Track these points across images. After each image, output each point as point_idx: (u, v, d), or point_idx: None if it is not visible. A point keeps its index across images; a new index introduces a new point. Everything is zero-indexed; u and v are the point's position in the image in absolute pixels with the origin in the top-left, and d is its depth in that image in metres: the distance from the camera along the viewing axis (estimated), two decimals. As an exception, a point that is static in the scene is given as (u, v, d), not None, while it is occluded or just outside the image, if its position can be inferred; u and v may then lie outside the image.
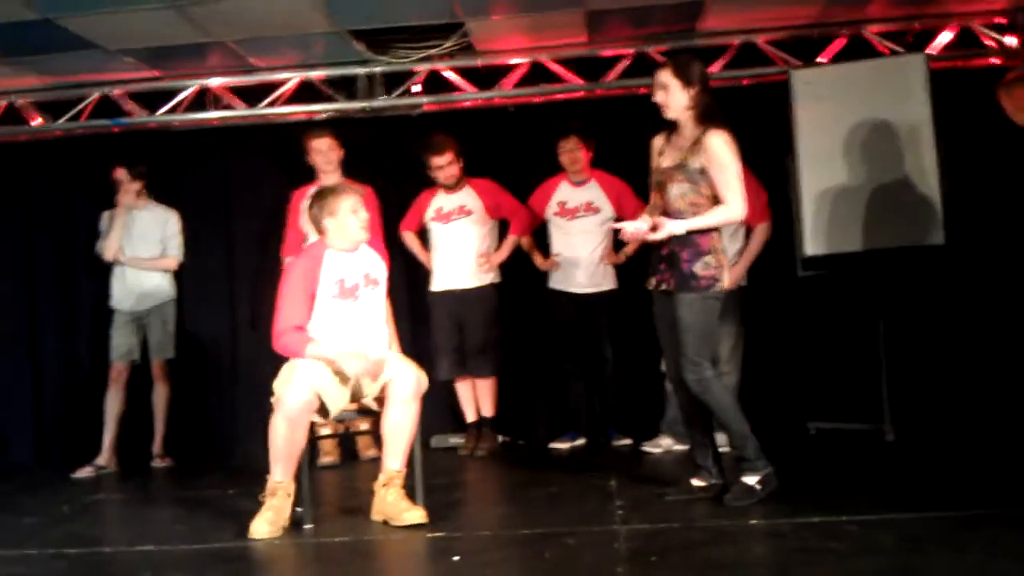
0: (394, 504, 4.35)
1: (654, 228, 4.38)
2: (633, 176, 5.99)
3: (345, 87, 7.11)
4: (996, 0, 6.45)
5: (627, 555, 3.65)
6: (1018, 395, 6.12)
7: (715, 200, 4.42)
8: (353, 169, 6.61)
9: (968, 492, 4.48)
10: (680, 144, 4.47)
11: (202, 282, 7.24)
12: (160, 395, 6.80)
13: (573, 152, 6.40)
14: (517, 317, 6.74)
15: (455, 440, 6.67)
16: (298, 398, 4.30)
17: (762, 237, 5.99)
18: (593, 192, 6.45)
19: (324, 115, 7.13)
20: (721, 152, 4.36)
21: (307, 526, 4.41)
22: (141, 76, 7.08)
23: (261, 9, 5.96)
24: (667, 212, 4.42)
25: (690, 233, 4.37)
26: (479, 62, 6.95)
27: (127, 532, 4.82)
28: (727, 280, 4.44)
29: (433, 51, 6.78)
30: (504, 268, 6.62)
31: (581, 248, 6.42)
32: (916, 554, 3.47)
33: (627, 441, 6.41)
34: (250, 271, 7.03)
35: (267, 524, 4.26)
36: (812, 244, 6.18)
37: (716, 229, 4.45)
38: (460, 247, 6.51)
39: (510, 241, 6.57)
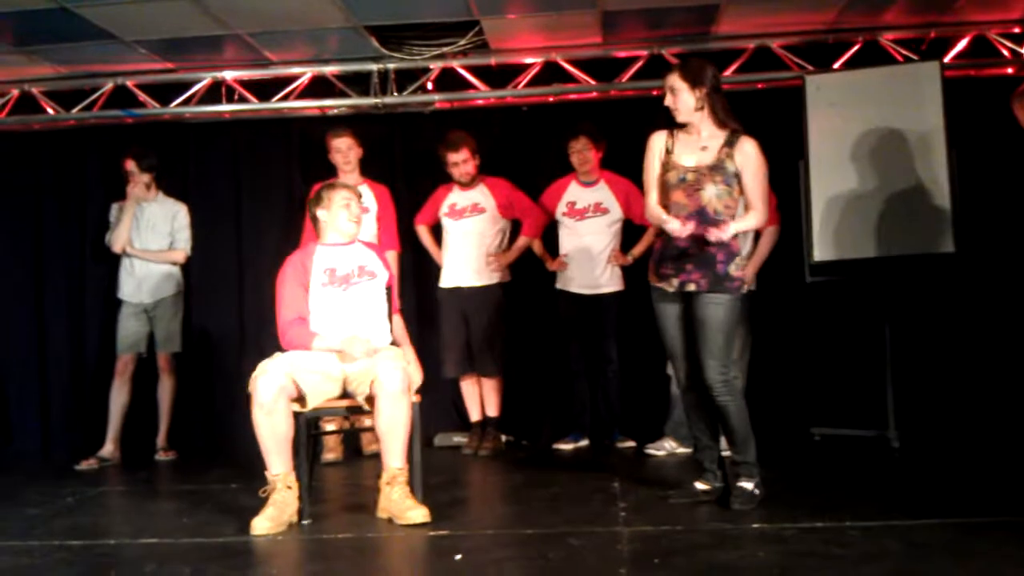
0: (398, 502, 4.35)
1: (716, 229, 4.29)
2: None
3: (358, 83, 7.11)
4: (1013, 10, 6.43)
5: (630, 557, 3.64)
6: (1024, 404, 6.12)
7: (740, 203, 4.44)
8: (366, 165, 6.63)
9: (973, 500, 4.48)
10: (698, 144, 4.45)
11: (210, 276, 7.27)
12: (165, 388, 6.81)
13: (583, 152, 6.40)
14: (523, 317, 6.74)
15: (459, 439, 6.67)
16: (270, 384, 4.31)
17: (770, 241, 5.99)
18: (602, 193, 6.45)
19: (336, 110, 7.16)
20: (758, 159, 4.39)
21: (305, 522, 4.42)
22: (155, 68, 7.10)
23: (278, 2, 5.97)
24: (701, 212, 4.36)
25: None
26: (493, 61, 6.96)
27: (131, 524, 4.81)
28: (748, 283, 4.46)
29: (447, 49, 6.79)
30: (512, 268, 6.62)
31: (589, 248, 6.42)
32: (920, 561, 3.46)
33: (631, 443, 6.40)
34: (259, 265, 7.02)
35: (268, 521, 4.25)
36: (821, 250, 6.16)
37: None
38: (470, 244, 6.51)
39: (521, 242, 6.57)
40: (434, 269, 6.73)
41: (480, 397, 6.57)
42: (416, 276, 7.00)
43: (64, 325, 7.41)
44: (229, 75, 7.14)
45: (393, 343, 4.84)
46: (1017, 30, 6.58)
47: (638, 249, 6.37)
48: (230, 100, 7.19)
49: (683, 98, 4.42)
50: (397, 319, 4.98)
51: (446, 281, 6.57)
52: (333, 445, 6.43)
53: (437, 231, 6.71)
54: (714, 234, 4.23)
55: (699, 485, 4.59)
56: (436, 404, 6.56)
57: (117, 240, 6.72)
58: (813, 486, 4.97)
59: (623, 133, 6.55)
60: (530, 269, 6.66)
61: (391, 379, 4.35)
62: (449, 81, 7.07)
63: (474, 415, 6.59)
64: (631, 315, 6.38)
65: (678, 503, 4.54)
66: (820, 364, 6.66)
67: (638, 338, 6.42)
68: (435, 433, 6.79)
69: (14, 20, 6.07)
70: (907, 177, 5.96)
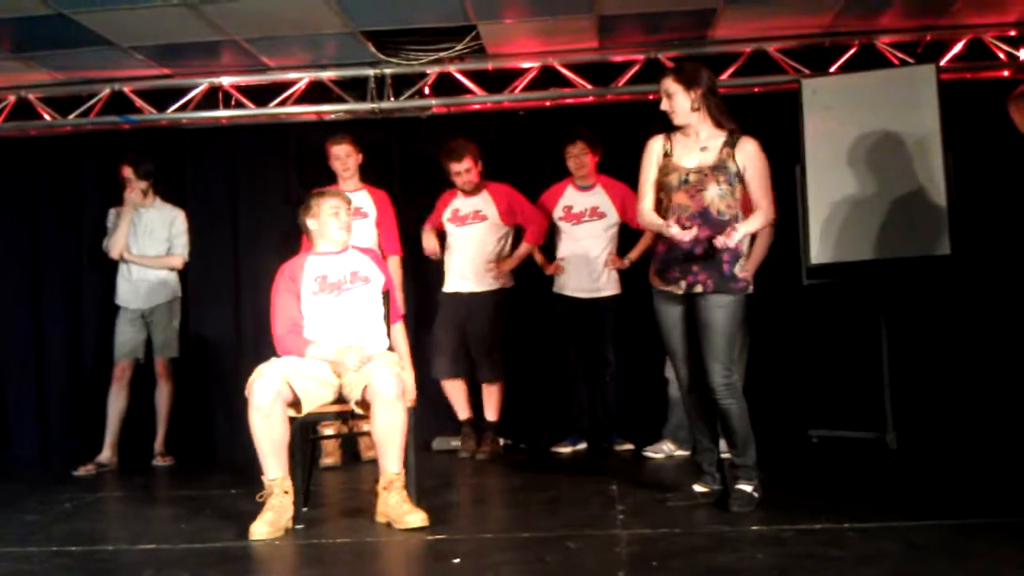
0: (396, 507, 4.35)
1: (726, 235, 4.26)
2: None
3: (355, 88, 7.12)
4: (1008, 13, 6.45)
5: (628, 560, 3.64)
6: (1021, 404, 6.12)
7: (743, 203, 4.44)
8: (363, 170, 6.64)
9: (970, 501, 4.48)
10: (697, 145, 4.45)
11: (207, 281, 7.26)
12: (163, 394, 6.80)
13: (579, 157, 6.41)
14: (521, 321, 6.74)
15: (456, 443, 6.65)
16: (267, 388, 4.32)
17: (766, 242, 5.96)
18: (599, 197, 6.46)
19: (333, 115, 7.17)
20: (760, 157, 4.40)
21: (299, 526, 4.41)
22: (152, 73, 7.11)
23: (275, 7, 5.97)
24: (704, 213, 4.36)
25: None
26: (490, 65, 6.97)
27: (129, 530, 4.80)
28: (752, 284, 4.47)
29: (444, 54, 6.80)
30: (515, 274, 6.62)
31: (586, 252, 6.43)
32: (918, 562, 3.46)
33: (629, 446, 6.40)
34: (256, 271, 7.01)
35: (266, 525, 4.24)
36: (818, 252, 6.17)
37: None
38: (472, 251, 6.51)
39: (522, 249, 6.57)
40: (434, 274, 6.74)
41: (466, 395, 6.55)
42: (416, 281, 6.99)
43: (61, 330, 7.40)
44: (226, 81, 7.14)
45: (390, 349, 4.85)
46: (1013, 33, 6.61)
47: (635, 252, 6.38)
48: (227, 106, 7.21)
49: (679, 101, 4.42)
50: (399, 327, 4.96)
51: (448, 286, 6.59)
52: (331, 450, 6.42)
53: (441, 235, 6.71)
54: (721, 241, 4.24)
55: (697, 488, 4.59)
56: (434, 408, 6.56)
57: (114, 246, 6.72)
58: (811, 488, 4.97)
59: (620, 137, 6.56)
60: (528, 273, 6.66)
61: (386, 385, 4.35)
62: (446, 86, 7.08)
63: (462, 414, 6.57)
64: (629, 318, 6.39)
65: (676, 506, 4.53)
66: (818, 366, 6.67)
67: (636, 341, 6.44)
68: (433, 437, 6.79)
69: (11, 26, 6.08)
70: (904, 180, 5.98)
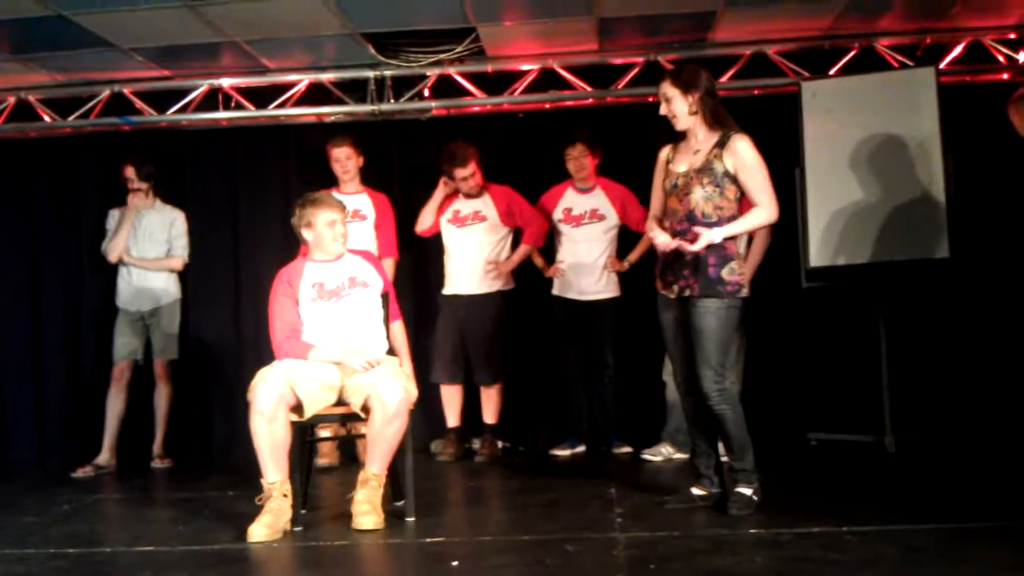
0: (358, 504, 4.38)
1: (692, 239, 4.31)
2: (642, 184, 5.96)
3: (355, 90, 7.12)
4: (1008, 15, 6.45)
5: (626, 563, 3.64)
6: (1020, 408, 6.12)
7: (739, 203, 4.42)
8: (363, 172, 6.64)
9: (969, 504, 4.48)
10: (692, 149, 4.45)
11: (207, 283, 7.26)
12: (162, 395, 6.80)
13: (579, 159, 6.41)
14: (519, 323, 6.73)
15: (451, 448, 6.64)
16: (270, 392, 4.33)
17: (763, 244, 5.95)
18: (598, 199, 6.46)
19: (333, 118, 7.17)
20: (749, 155, 4.35)
21: (297, 528, 4.41)
22: (152, 75, 7.10)
23: (275, 9, 5.97)
24: (690, 216, 4.37)
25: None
26: (489, 67, 6.97)
27: (127, 532, 4.81)
28: (747, 287, 4.45)
29: (444, 56, 6.80)
30: (514, 276, 6.62)
31: (585, 255, 6.43)
32: (916, 565, 3.46)
33: (627, 449, 6.40)
34: (256, 273, 7.01)
35: (265, 527, 4.25)
36: (817, 255, 6.17)
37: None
38: (472, 252, 6.52)
39: (522, 251, 6.57)
40: (433, 277, 6.74)
41: (460, 404, 6.56)
42: (414, 283, 6.99)
43: (60, 332, 7.40)
44: (226, 82, 7.14)
45: (390, 351, 4.85)
46: (1012, 36, 6.60)
47: (634, 255, 6.39)
48: (227, 107, 7.21)
49: (677, 104, 4.42)
50: (398, 325, 4.98)
51: (447, 288, 6.59)
52: (327, 450, 6.42)
53: (439, 237, 6.70)
54: (684, 245, 4.29)
55: (696, 491, 4.59)
56: (432, 412, 6.55)
57: (113, 250, 6.72)
58: (810, 491, 4.97)
59: (619, 140, 6.56)
60: (527, 275, 6.66)
61: (391, 397, 4.35)
62: (446, 88, 7.08)
63: (451, 421, 6.57)
64: (627, 321, 6.39)
65: (675, 509, 4.52)
66: (816, 369, 6.67)
67: (634, 344, 6.44)
68: (431, 441, 6.78)
69: (10, 28, 6.08)
70: (903, 183, 5.97)
